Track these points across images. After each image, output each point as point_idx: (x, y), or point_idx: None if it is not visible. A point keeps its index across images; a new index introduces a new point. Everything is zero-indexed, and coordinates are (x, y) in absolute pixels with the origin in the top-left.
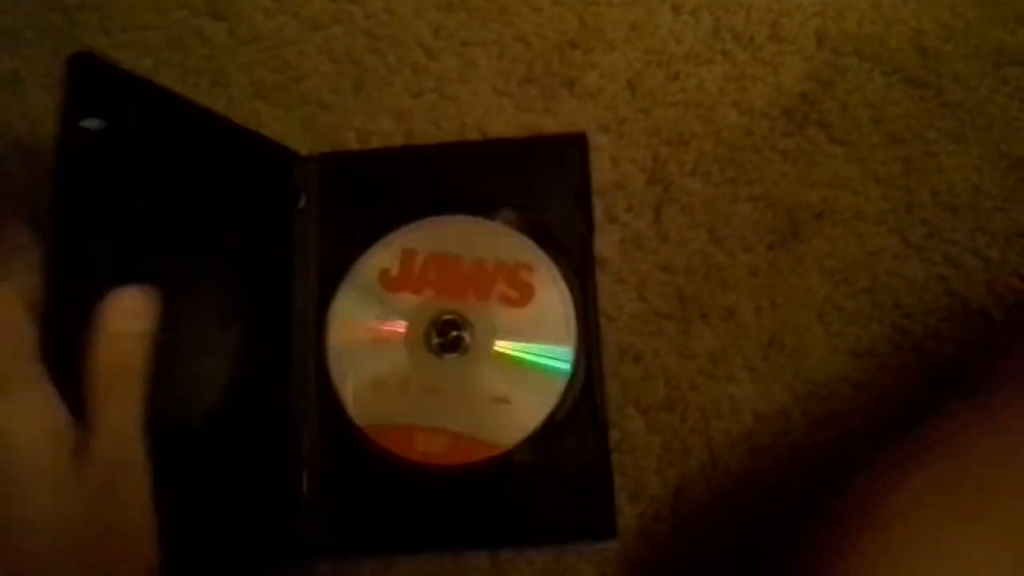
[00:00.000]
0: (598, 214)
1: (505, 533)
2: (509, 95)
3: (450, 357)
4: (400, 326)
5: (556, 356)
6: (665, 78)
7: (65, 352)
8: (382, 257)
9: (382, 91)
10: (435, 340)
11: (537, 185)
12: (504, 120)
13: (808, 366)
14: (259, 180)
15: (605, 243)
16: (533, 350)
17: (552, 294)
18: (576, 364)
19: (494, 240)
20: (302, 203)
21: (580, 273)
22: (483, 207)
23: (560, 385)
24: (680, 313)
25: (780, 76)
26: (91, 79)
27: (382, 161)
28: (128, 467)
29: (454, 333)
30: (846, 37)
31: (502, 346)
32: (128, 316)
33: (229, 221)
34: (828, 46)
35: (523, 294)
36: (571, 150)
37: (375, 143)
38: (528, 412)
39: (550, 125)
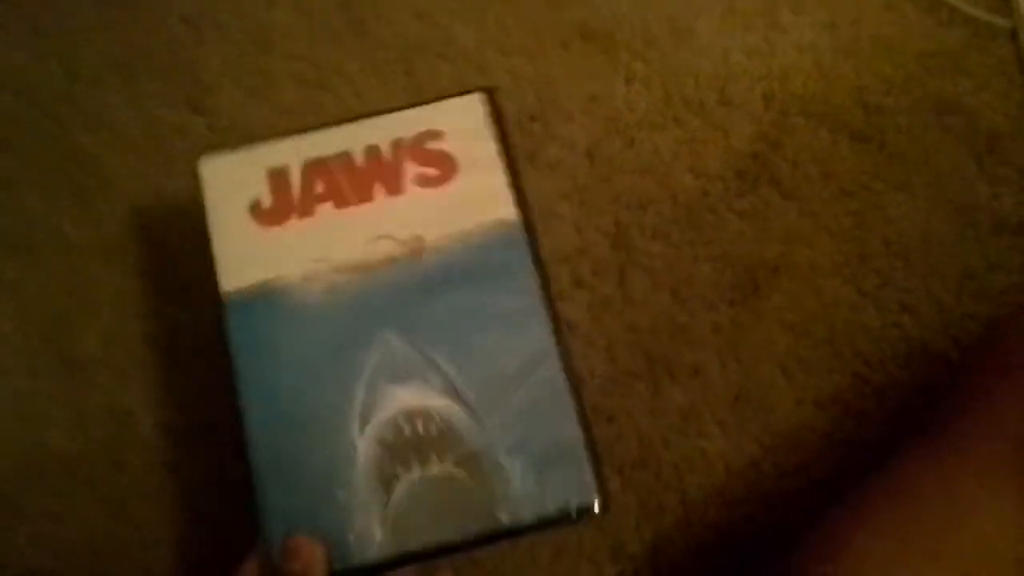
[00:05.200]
0: (565, 279)
1: None
2: None
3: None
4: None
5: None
6: (622, 146)
7: None
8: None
9: None
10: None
11: None
12: None
13: (775, 418)
14: None
15: (573, 308)
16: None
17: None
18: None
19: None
20: None
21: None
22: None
23: None
24: (649, 372)
25: (731, 138)
26: None
27: None
28: None
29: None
30: (792, 98)
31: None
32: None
33: None
34: (775, 107)
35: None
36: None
37: None
38: None
39: None
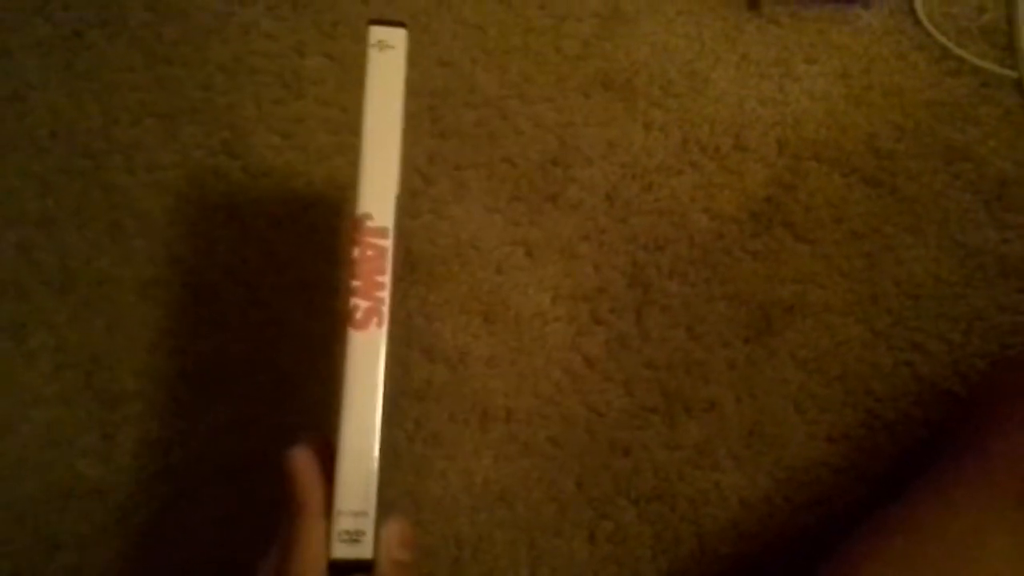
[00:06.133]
0: (584, 316)
1: None
2: (499, 211)
3: None
4: None
5: None
6: (640, 189)
7: None
8: None
9: None
10: None
11: None
12: (495, 234)
13: (788, 453)
14: None
15: (592, 344)
16: None
17: None
18: None
19: None
20: None
21: None
22: None
23: None
24: (665, 407)
25: (746, 182)
26: None
27: None
28: None
29: None
30: (805, 143)
31: None
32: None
33: None
34: (789, 152)
35: None
36: None
37: None
38: None
39: (536, 236)
